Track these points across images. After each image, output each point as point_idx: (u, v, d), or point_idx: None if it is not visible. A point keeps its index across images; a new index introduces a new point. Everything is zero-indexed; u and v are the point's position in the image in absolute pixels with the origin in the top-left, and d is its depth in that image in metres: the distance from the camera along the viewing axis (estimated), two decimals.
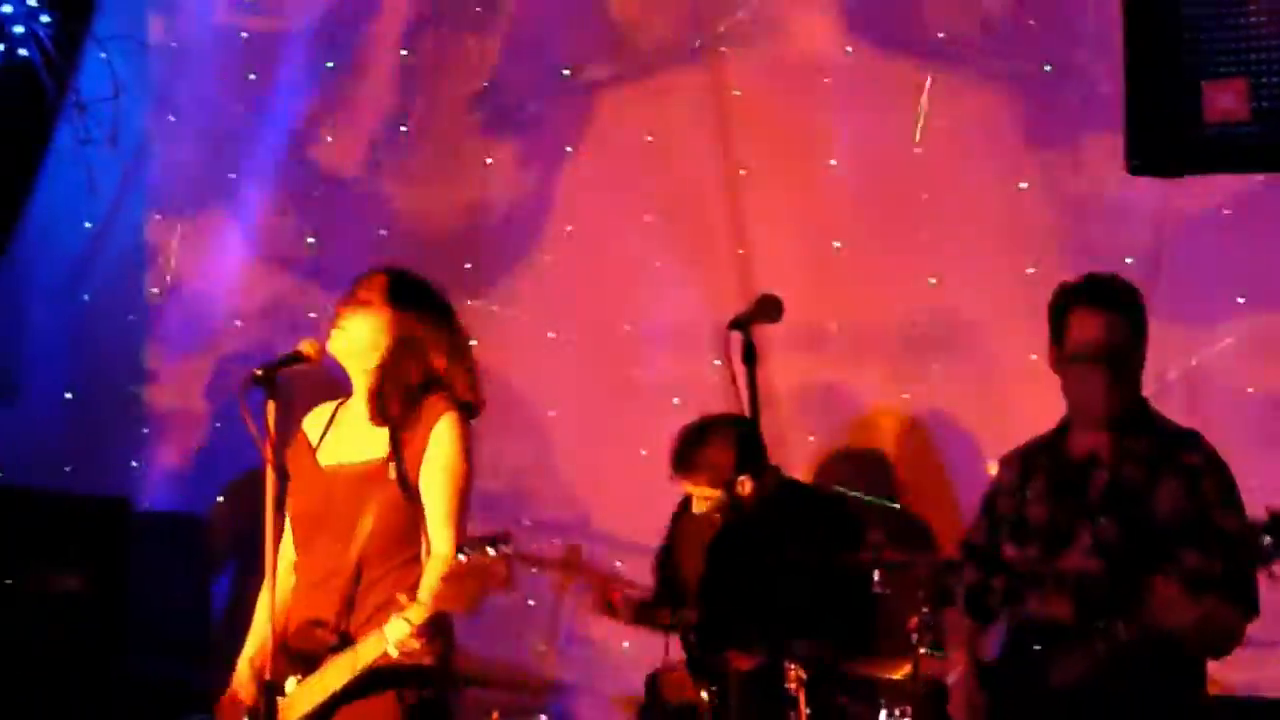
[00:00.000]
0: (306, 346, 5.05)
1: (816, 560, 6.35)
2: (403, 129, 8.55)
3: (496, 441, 7.50)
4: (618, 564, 7.59)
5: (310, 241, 8.65)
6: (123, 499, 8.31)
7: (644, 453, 7.48)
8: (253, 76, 8.80)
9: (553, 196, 8.33)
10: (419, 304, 5.23)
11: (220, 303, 8.75)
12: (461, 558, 4.64)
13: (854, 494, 7.37)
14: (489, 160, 8.45)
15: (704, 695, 6.46)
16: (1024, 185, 7.45)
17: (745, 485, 6.50)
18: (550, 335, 8.20)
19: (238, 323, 8.67)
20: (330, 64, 8.71)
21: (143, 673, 8.04)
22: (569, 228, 8.27)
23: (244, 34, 8.82)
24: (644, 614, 7.09)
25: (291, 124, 8.74)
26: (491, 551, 4.61)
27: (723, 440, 6.57)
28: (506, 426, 7.62)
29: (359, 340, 5.15)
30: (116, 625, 7.97)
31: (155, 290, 8.88)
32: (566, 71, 8.32)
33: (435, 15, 8.57)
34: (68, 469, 8.47)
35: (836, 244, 7.72)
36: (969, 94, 7.60)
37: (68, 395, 8.55)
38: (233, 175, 8.77)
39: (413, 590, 4.89)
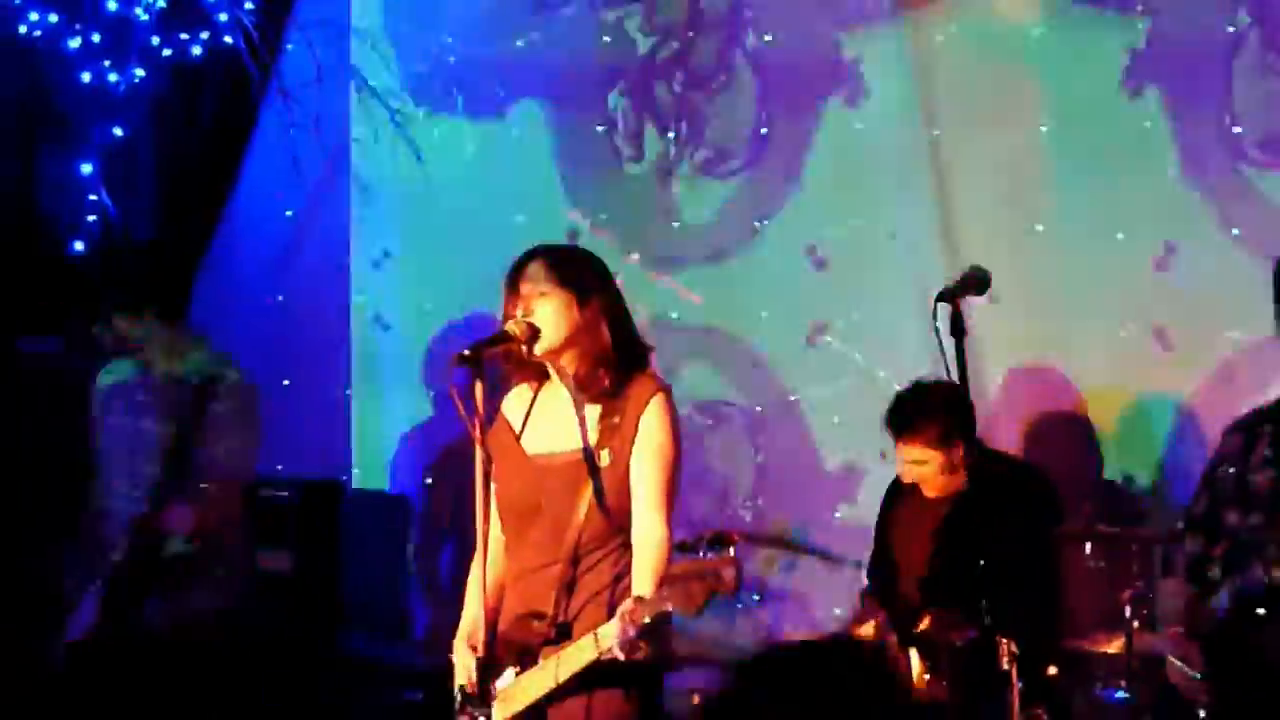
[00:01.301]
0: (513, 326, 5.03)
1: (1028, 534, 6.30)
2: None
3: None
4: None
5: (519, 220, 8.64)
6: (334, 480, 8.41)
7: (836, 419, 7.54)
8: (452, 60, 8.83)
9: None
10: (589, 275, 5.19)
11: (427, 283, 8.80)
12: (687, 559, 4.59)
13: None
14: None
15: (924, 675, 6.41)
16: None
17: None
18: (763, 315, 8.17)
19: (443, 303, 8.71)
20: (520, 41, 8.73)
21: (353, 652, 8.15)
22: (783, 217, 8.22)
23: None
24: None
25: None
26: (716, 553, 4.55)
27: (939, 403, 6.52)
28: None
29: (550, 331, 5.08)
30: (328, 605, 8.08)
31: (359, 273, 8.97)
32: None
33: None
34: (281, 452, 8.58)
35: (1040, 223, 7.61)
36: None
37: (285, 382, 8.64)
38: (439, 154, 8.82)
39: (627, 577, 4.89)
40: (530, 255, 5.17)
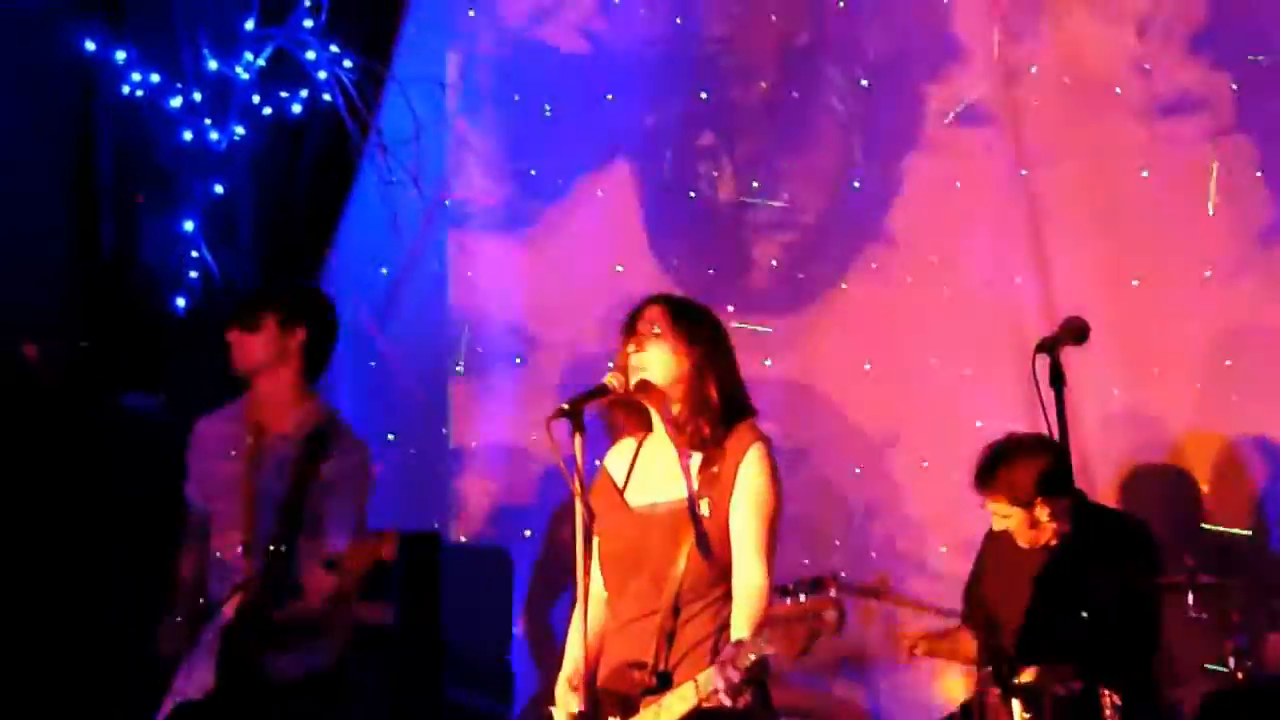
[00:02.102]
0: (611, 380, 5.10)
1: (1128, 585, 6.27)
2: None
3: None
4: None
5: (619, 270, 8.69)
6: (434, 533, 8.44)
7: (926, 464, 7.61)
8: (548, 111, 8.89)
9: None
10: (704, 328, 5.26)
11: (521, 338, 8.84)
12: (788, 601, 4.61)
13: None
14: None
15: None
16: None
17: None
18: (866, 366, 8.16)
19: (540, 357, 8.74)
20: (610, 95, 8.78)
21: (455, 704, 8.16)
22: (874, 265, 8.22)
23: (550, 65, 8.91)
24: (945, 647, 7.05)
25: None
26: (820, 595, 4.56)
27: (1025, 460, 6.50)
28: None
29: (658, 374, 5.17)
30: (429, 657, 8.10)
31: (457, 325, 9.01)
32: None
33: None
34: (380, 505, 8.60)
35: (1134, 267, 7.59)
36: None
37: (390, 436, 8.70)
38: (536, 208, 8.87)
39: (728, 630, 4.90)
40: (651, 300, 5.30)
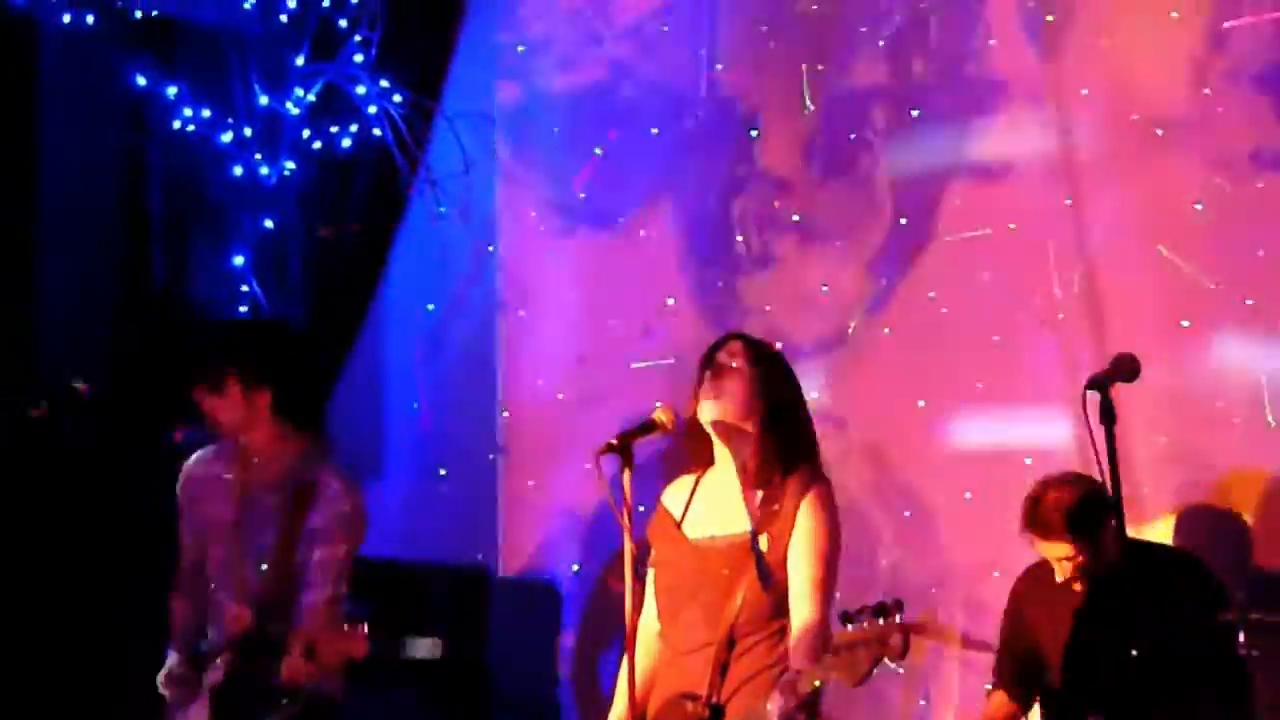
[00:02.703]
0: (661, 415, 5.10)
1: (1179, 623, 6.22)
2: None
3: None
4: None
5: (670, 302, 8.68)
6: (481, 567, 8.45)
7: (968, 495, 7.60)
8: (599, 151, 8.90)
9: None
10: (779, 366, 5.30)
11: (573, 372, 8.84)
12: (850, 628, 4.58)
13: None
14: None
15: None
16: None
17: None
18: (920, 404, 8.13)
19: (588, 392, 8.74)
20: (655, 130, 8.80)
21: None
22: (931, 294, 8.19)
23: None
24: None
25: None
26: (884, 620, 4.53)
27: (1058, 496, 6.45)
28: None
29: (735, 407, 5.19)
30: (476, 692, 8.10)
31: (507, 358, 9.02)
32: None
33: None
34: (428, 540, 8.61)
35: (1186, 303, 7.56)
36: None
37: (442, 471, 8.72)
38: (585, 243, 8.88)
39: (783, 665, 4.89)
40: (732, 335, 5.39)
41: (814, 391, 8.01)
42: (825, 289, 8.33)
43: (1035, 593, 6.72)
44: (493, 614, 8.26)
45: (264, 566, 6.14)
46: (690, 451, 5.31)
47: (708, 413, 5.20)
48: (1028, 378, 7.78)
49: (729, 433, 5.22)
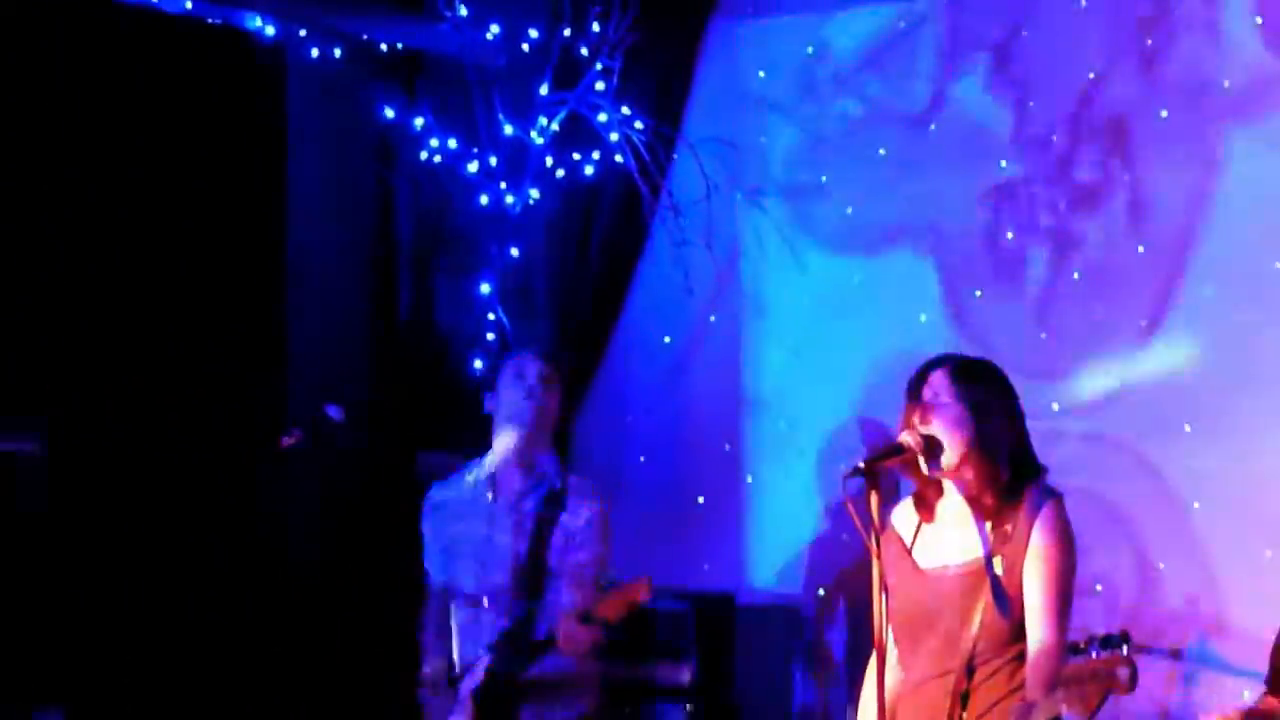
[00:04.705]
0: (907, 438, 5.06)
1: None
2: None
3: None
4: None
5: (921, 319, 8.59)
6: (728, 592, 8.45)
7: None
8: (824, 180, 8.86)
9: None
10: (991, 389, 5.19)
11: (814, 398, 8.78)
12: (1083, 659, 4.53)
13: None
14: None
15: None
16: None
17: None
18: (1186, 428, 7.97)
19: (832, 420, 8.70)
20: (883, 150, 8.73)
21: None
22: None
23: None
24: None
25: None
26: (1113, 652, 4.49)
27: None
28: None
29: (945, 434, 5.10)
30: (723, 717, 8.11)
31: (752, 386, 9.01)
32: None
33: None
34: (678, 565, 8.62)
35: None
36: None
37: (699, 499, 8.75)
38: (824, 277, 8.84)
39: (1023, 689, 4.84)
40: (935, 363, 5.22)
41: (1054, 403, 7.92)
42: (1074, 316, 8.22)
43: None
44: (739, 639, 8.28)
45: (518, 571, 6.26)
46: (925, 478, 5.21)
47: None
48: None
49: (946, 468, 5.12)
